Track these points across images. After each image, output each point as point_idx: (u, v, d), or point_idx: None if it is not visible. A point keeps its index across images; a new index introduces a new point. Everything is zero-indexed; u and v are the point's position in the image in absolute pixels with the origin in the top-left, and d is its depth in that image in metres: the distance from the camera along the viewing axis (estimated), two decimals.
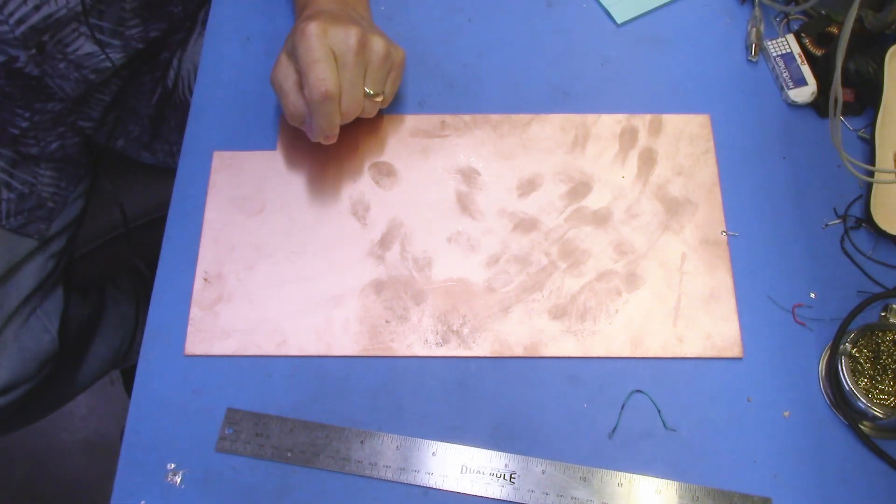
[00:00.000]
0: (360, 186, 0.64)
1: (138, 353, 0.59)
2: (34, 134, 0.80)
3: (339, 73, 0.57)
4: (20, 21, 0.70)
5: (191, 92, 0.68)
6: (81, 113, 0.82)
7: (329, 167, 0.65)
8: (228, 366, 0.58)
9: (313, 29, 0.56)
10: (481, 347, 0.58)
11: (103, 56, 0.77)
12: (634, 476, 0.54)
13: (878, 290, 0.60)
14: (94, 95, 0.82)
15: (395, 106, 0.68)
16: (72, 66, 0.76)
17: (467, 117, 0.67)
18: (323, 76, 0.56)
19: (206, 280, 0.61)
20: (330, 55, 0.57)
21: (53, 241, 0.85)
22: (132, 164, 0.92)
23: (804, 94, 0.66)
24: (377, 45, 0.59)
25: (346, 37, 0.57)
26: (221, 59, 0.70)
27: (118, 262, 0.95)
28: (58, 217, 0.84)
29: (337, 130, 0.59)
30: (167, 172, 0.90)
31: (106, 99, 0.83)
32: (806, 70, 0.67)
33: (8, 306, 0.79)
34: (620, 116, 0.67)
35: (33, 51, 0.73)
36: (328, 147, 0.65)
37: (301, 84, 0.58)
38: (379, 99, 0.61)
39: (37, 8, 0.70)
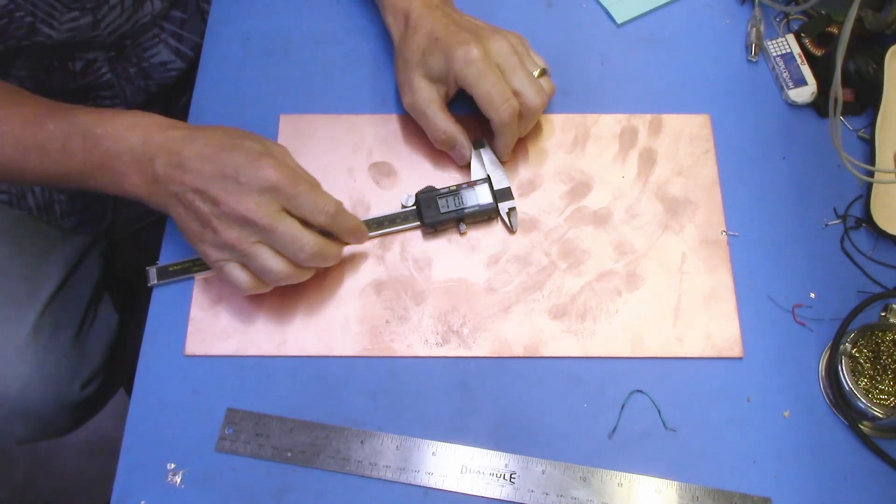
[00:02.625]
0: (360, 186, 0.64)
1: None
2: None
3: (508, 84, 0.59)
4: (113, 31, 0.72)
5: None
6: None
7: (329, 167, 0.65)
8: (228, 366, 0.58)
9: (477, 53, 0.58)
10: (481, 347, 0.58)
11: (173, 68, 0.79)
12: (634, 476, 0.54)
13: (878, 290, 0.60)
14: (149, 107, 0.83)
15: (395, 106, 0.68)
16: (140, 74, 0.78)
17: (468, 118, 0.67)
18: (507, 96, 0.58)
19: (206, 280, 0.61)
20: (498, 72, 0.58)
21: (101, 240, 0.86)
22: None
23: (804, 94, 0.66)
24: (505, 33, 0.61)
25: (498, 46, 0.59)
26: (221, 59, 0.70)
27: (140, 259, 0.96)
28: (104, 216, 0.86)
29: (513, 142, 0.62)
30: None
31: (155, 111, 0.84)
32: (806, 70, 0.67)
33: (83, 297, 0.80)
34: (620, 116, 0.67)
35: (112, 53, 0.74)
36: (328, 147, 0.65)
37: (444, 107, 0.61)
38: (547, 70, 0.62)
39: (128, 18, 0.72)
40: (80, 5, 0.67)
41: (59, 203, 0.80)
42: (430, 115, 0.61)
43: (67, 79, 0.74)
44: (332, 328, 0.59)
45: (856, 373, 0.55)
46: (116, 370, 0.87)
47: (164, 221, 0.63)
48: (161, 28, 0.77)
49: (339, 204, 0.55)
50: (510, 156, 0.64)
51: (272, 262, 0.54)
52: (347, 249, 0.61)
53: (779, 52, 0.68)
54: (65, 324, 0.76)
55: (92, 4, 0.68)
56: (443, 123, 0.61)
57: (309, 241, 0.53)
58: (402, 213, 0.62)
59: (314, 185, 0.56)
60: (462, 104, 0.67)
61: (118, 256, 0.92)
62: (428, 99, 0.60)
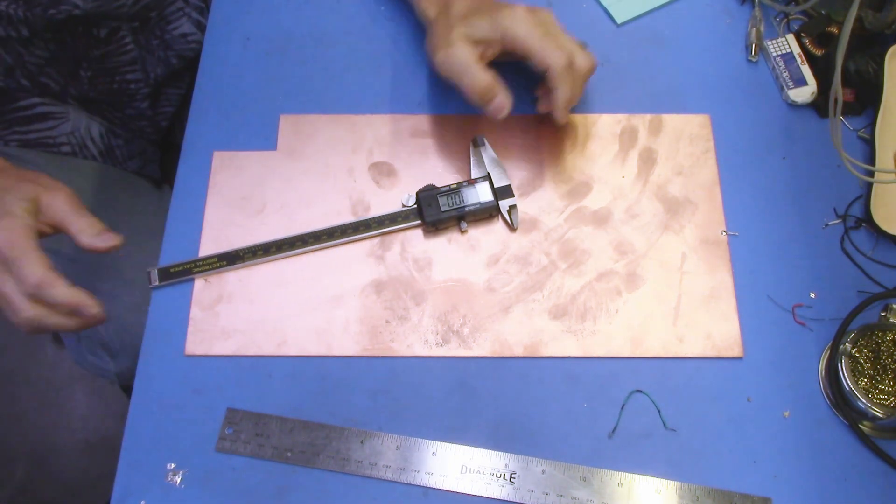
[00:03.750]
0: (360, 186, 0.64)
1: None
2: (120, 122, 0.85)
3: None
4: (137, 1, 0.74)
5: None
6: (162, 113, 0.87)
7: (329, 167, 0.65)
8: (228, 366, 0.58)
9: (524, 12, 0.58)
10: (481, 347, 0.58)
11: (193, 40, 0.81)
12: (634, 476, 0.54)
13: (878, 290, 0.60)
14: (171, 91, 0.86)
15: (395, 106, 0.68)
16: (162, 45, 0.80)
17: (467, 117, 0.67)
18: (561, 46, 0.58)
19: (206, 280, 0.61)
20: (546, 31, 0.59)
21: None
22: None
23: (804, 94, 0.66)
24: (547, 10, 0.61)
25: (544, 13, 0.60)
26: (221, 59, 0.70)
27: None
28: (158, 161, 0.89)
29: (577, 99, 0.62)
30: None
31: (182, 91, 0.87)
32: (806, 70, 0.67)
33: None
34: (620, 116, 0.67)
35: (136, 23, 0.76)
36: (328, 147, 0.65)
37: (479, 59, 0.59)
38: (586, 44, 0.62)
39: None
40: None
41: (119, 147, 0.84)
42: (469, 65, 0.59)
43: (91, 45, 0.76)
44: (332, 328, 0.59)
45: (856, 373, 0.55)
46: None
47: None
48: (186, 2, 0.79)
49: (45, 277, 0.53)
50: (567, 116, 0.61)
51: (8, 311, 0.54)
52: (347, 252, 0.61)
53: (779, 52, 0.68)
54: None
55: None
56: (481, 73, 0.59)
57: (20, 308, 0.53)
58: (402, 212, 0.62)
59: (33, 255, 0.54)
60: (461, 104, 0.68)
61: None
62: (464, 51, 0.59)
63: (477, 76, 0.59)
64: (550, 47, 0.58)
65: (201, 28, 0.81)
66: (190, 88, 0.86)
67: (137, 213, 0.80)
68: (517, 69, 0.69)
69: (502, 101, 0.60)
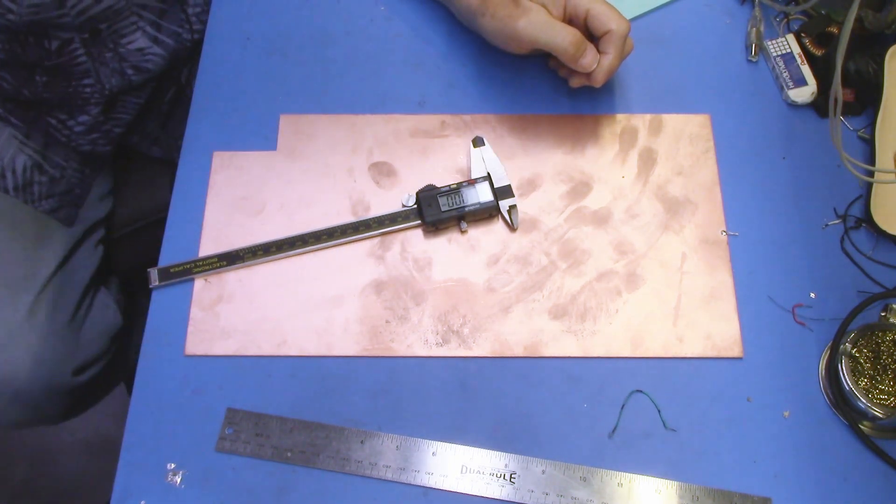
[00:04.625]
0: (360, 186, 0.64)
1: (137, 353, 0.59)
2: (67, 134, 0.82)
3: None
4: (81, 12, 0.72)
5: None
6: (116, 119, 0.84)
7: (329, 167, 0.65)
8: (228, 366, 0.58)
9: None
10: (481, 347, 0.58)
11: (151, 53, 0.79)
12: (634, 476, 0.54)
13: (878, 290, 0.60)
14: (130, 99, 0.83)
15: (395, 106, 0.68)
16: (116, 58, 0.78)
17: (467, 117, 0.67)
18: (621, 14, 0.61)
19: (206, 280, 0.61)
20: None
21: (97, 230, 0.87)
22: (141, 160, 0.93)
23: (804, 94, 0.66)
24: None
25: None
26: (221, 59, 0.70)
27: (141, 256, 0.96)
28: (83, 204, 0.86)
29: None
30: (167, 170, 0.90)
31: (140, 101, 0.85)
32: (806, 70, 0.67)
33: (79, 284, 0.80)
34: (620, 116, 0.67)
35: (86, 35, 0.74)
36: (328, 147, 0.65)
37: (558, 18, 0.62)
38: None
39: (98, 1, 0.72)
40: None
41: (41, 185, 0.80)
42: (553, 25, 0.60)
43: (42, 56, 0.74)
44: (332, 328, 0.59)
45: (856, 373, 0.55)
46: (116, 363, 0.87)
47: (163, 222, 0.63)
48: (139, 16, 0.77)
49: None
50: (605, 80, 0.63)
51: None
52: (347, 252, 0.61)
53: (779, 52, 0.68)
54: (60, 308, 0.77)
55: None
56: (567, 29, 0.60)
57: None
58: (402, 212, 0.62)
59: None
60: (461, 104, 0.68)
61: (122, 255, 0.92)
62: (544, 14, 0.61)
63: (566, 32, 0.60)
64: (615, 13, 0.60)
65: (158, 42, 0.79)
66: (151, 99, 0.85)
67: (21, 237, 0.77)
68: (518, 69, 0.69)
69: (590, 55, 0.61)
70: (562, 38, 0.60)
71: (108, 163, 0.89)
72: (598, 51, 0.61)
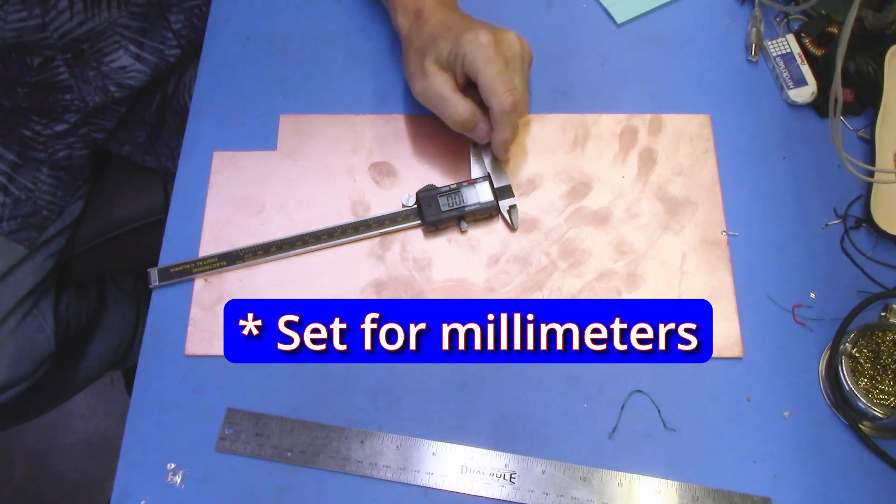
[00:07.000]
0: (360, 186, 0.64)
1: (138, 353, 0.59)
2: (44, 140, 0.81)
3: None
4: (64, 34, 0.72)
5: (190, 97, 0.69)
6: (95, 125, 0.84)
7: (329, 167, 0.65)
8: (228, 366, 0.58)
9: (487, 38, 0.57)
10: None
11: (133, 70, 0.79)
12: (634, 476, 0.54)
13: (878, 290, 0.60)
14: (111, 107, 0.83)
15: (395, 106, 0.68)
16: (99, 76, 0.78)
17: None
18: (511, 86, 0.57)
19: (206, 280, 0.61)
20: (505, 63, 0.58)
21: (52, 242, 0.85)
22: (128, 167, 0.92)
23: (804, 94, 0.66)
24: (518, 37, 0.61)
25: (510, 43, 0.59)
26: (221, 59, 0.70)
27: (117, 262, 0.95)
28: (50, 226, 0.84)
29: (514, 139, 0.61)
30: (160, 176, 0.90)
31: (122, 110, 0.84)
32: (806, 70, 0.67)
33: (5, 306, 0.80)
34: (620, 116, 0.67)
35: (69, 55, 0.74)
36: (328, 147, 0.65)
37: (459, 91, 0.59)
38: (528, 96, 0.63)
39: (81, 24, 0.72)
40: (28, 7, 0.67)
41: (4, 206, 0.80)
42: (447, 97, 0.59)
43: (24, 72, 0.74)
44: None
45: (856, 373, 0.55)
46: (53, 385, 0.86)
47: (163, 223, 0.63)
48: (122, 35, 0.77)
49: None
50: (507, 154, 0.63)
51: None
52: (347, 252, 0.61)
53: (779, 52, 0.68)
54: None
55: (39, 7, 0.68)
56: (461, 103, 0.59)
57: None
58: (402, 212, 0.62)
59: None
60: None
61: (81, 265, 0.91)
62: (441, 81, 0.59)
63: (457, 107, 0.59)
64: (501, 87, 0.57)
65: (140, 59, 0.79)
66: (131, 110, 0.85)
67: None
68: None
69: (483, 128, 0.60)
70: (450, 112, 0.59)
71: (86, 179, 0.88)
72: (490, 122, 0.60)
